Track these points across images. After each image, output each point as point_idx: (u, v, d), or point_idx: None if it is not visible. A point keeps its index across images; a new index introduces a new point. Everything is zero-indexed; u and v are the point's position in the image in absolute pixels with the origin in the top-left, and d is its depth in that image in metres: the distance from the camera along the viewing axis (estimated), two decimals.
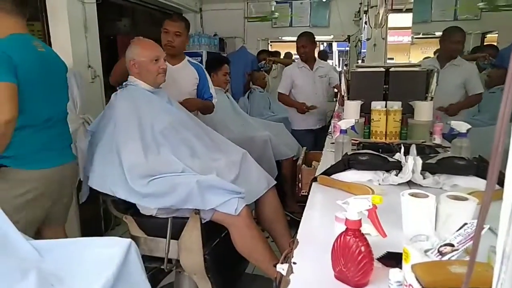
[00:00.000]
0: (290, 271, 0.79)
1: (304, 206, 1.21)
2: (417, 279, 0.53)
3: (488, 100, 3.52)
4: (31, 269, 0.91)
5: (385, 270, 0.74)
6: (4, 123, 1.45)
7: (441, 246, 0.60)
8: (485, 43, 4.82)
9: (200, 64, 2.57)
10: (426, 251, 0.62)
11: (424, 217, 0.84)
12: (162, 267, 1.79)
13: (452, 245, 0.59)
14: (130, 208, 1.83)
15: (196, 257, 1.74)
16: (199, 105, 2.42)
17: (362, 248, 0.69)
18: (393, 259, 0.75)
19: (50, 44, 2.75)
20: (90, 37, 2.90)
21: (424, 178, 1.26)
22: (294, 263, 0.81)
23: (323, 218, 1.05)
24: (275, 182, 2.08)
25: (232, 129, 3.01)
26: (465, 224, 0.60)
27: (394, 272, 0.63)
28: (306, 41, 3.45)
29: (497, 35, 4.62)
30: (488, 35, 4.94)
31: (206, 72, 2.56)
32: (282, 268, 0.94)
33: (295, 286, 0.74)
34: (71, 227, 2.60)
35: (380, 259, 0.77)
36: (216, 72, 3.14)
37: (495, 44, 4.35)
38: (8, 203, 1.48)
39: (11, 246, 0.95)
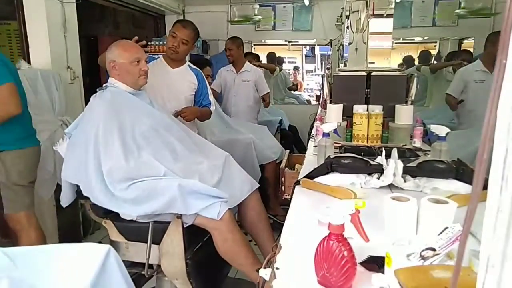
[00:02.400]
0: (273, 276, 0.78)
1: (288, 209, 1.20)
2: (400, 284, 0.53)
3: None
4: (2, 278, 0.87)
5: (368, 274, 0.74)
6: (12, 115, 1.86)
7: (423, 251, 0.60)
8: (461, 49, 4.96)
9: (201, 71, 2.56)
10: (408, 255, 0.62)
11: (406, 220, 0.85)
12: (142, 272, 1.75)
13: (434, 249, 0.59)
14: (109, 213, 1.78)
15: (177, 262, 1.71)
16: (198, 113, 2.39)
17: (345, 253, 0.69)
18: (375, 263, 0.75)
19: (27, 44, 2.68)
20: (69, 37, 2.84)
21: (405, 182, 1.27)
22: (277, 268, 0.80)
23: (306, 222, 1.04)
24: (258, 185, 2.07)
25: (215, 132, 2.99)
26: (446, 228, 0.61)
27: (376, 277, 0.63)
28: (231, 44, 3.58)
29: (473, 41, 4.76)
30: (465, 41, 5.08)
31: (205, 79, 2.54)
32: (265, 273, 0.93)
33: (283, 273, 0.73)
34: (49, 232, 2.52)
35: (362, 263, 0.77)
36: None
37: (471, 49, 4.48)
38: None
39: None
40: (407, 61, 5.33)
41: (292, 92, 5.90)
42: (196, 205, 1.63)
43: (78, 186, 1.77)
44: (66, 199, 1.85)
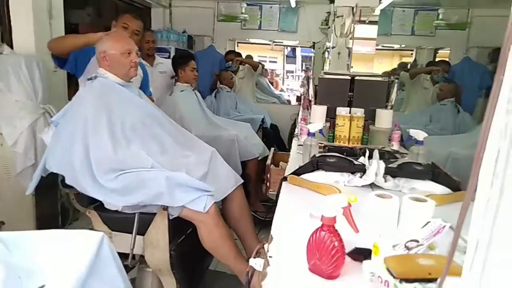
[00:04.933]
0: (266, 264, 0.84)
1: (268, 205, 1.26)
2: (388, 270, 0.60)
3: (438, 111, 3.79)
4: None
5: (354, 264, 0.81)
6: None
7: (407, 242, 0.67)
8: (436, 59, 5.17)
9: (144, 62, 2.58)
10: (393, 246, 0.69)
11: (389, 215, 0.92)
12: (126, 263, 1.77)
13: (417, 241, 0.66)
14: (94, 202, 1.79)
15: (162, 253, 1.73)
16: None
17: (336, 243, 0.75)
18: (361, 254, 0.82)
19: (10, 30, 2.61)
20: (54, 24, 2.78)
21: (385, 181, 1.35)
22: (270, 256, 0.85)
23: (294, 215, 1.10)
24: (242, 181, 2.12)
25: (199, 127, 3.01)
26: (429, 222, 0.68)
27: (367, 264, 0.70)
28: (152, 36, 3.38)
29: (449, 51, 4.98)
30: (440, 51, 5.31)
31: (147, 70, 2.57)
32: (255, 262, 0.98)
33: (272, 278, 0.78)
34: (26, 222, 2.49)
35: (349, 254, 0.84)
36: (183, 68, 3.14)
37: (447, 59, 4.68)
38: None
39: None
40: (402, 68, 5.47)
41: (274, 91, 5.98)
42: (183, 198, 1.67)
43: (61, 175, 1.76)
44: (32, 187, 1.84)
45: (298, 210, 1.13)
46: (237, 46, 5.65)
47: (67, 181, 1.70)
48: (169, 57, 3.92)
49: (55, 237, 1.04)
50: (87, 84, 1.84)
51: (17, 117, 2.41)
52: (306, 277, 0.78)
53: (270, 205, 2.36)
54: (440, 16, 4.58)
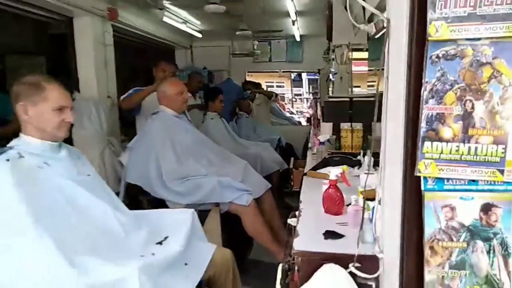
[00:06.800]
0: (299, 214, 1.42)
1: (289, 212, 1.81)
2: (363, 196, 1.18)
3: None
4: (142, 228, 1.48)
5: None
6: None
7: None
8: None
9: None
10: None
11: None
12: None
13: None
14: (162, 206, 2.39)
15: (215, 239, 2.30)
16: None
17: (338, 194, 1.34)
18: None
19: (77, 79, 3.31)
20: (109, 72, 3.48)
21: (375, 170, 1.93)
22: (302, 208, 1.44)
23: (313, 192, 1.69)
24: (270, 185, 2.71)
25: (227, 147, 3.63)
26: None
27: (353, 197, 1.28)
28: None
29: None
30: None
31: None
32: (291, 221, 1.56)
33: (304, 218, 1.37)
34: None
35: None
36: (213, 100, 3.81)
37: None
38: None
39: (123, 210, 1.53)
40: None
41: (285, 114, 6.62)
42: (230, 196, 2.26)
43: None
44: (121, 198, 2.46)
45: (315, 190, 1.71)
46: (249, 75, 6.36)
47: (145, 188, 2.32)
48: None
49: (163, 212, 1.65)
50: (152, 117, 2.49)
51: (89, 148, 3.06)
52: (323, 214, 1.37)
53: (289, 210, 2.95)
54: None
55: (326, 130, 2.73)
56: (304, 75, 10.57)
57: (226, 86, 5.36)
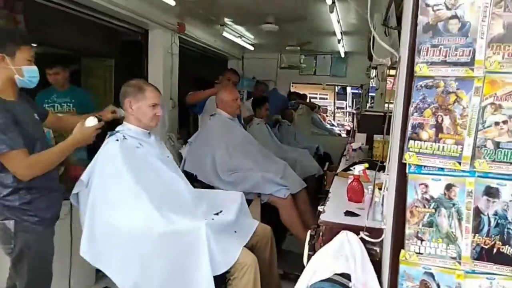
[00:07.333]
0: (327, 200, 1.79)
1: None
2: (377, 188, 1.52)
3: None
4: (203, 202, 1.92)
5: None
6: None
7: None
8: None
9: None
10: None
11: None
12: None
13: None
14: None
15: None
16: None
17: (360, 186, 1.70)
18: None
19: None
20: (173, 78, 4.03)
21: None
22: (329, 197, 1.81)
23: (341, 188, 2.05)
24: (305, 185, 3.08)
25: (270, 150, 4.04)
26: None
27: (369, 186, 1.63)
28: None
29: None
30: None
31: None
32: (321, 208, 1.93)
33: (330, 203, 1.74)
34: None
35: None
36: (260, 108, 4.25)
37: None
38: None
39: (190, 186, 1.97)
40: None
41: (326, 125, 6.93)
42: (271, 188, 2.67)
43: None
44: None
45: (342, 184, 2.07)
46: (293, 86, 6.76)
47: (199, 177, 2.78)
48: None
49: (217, 192, 2.08)
50: (211, 118, 2.96)
51: None
52: (347, 202, 1.73)
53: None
54: None
55: (359, 140, 3.07)
56: (348, 89, 10.80)
57: (271, 95, 5.81)
